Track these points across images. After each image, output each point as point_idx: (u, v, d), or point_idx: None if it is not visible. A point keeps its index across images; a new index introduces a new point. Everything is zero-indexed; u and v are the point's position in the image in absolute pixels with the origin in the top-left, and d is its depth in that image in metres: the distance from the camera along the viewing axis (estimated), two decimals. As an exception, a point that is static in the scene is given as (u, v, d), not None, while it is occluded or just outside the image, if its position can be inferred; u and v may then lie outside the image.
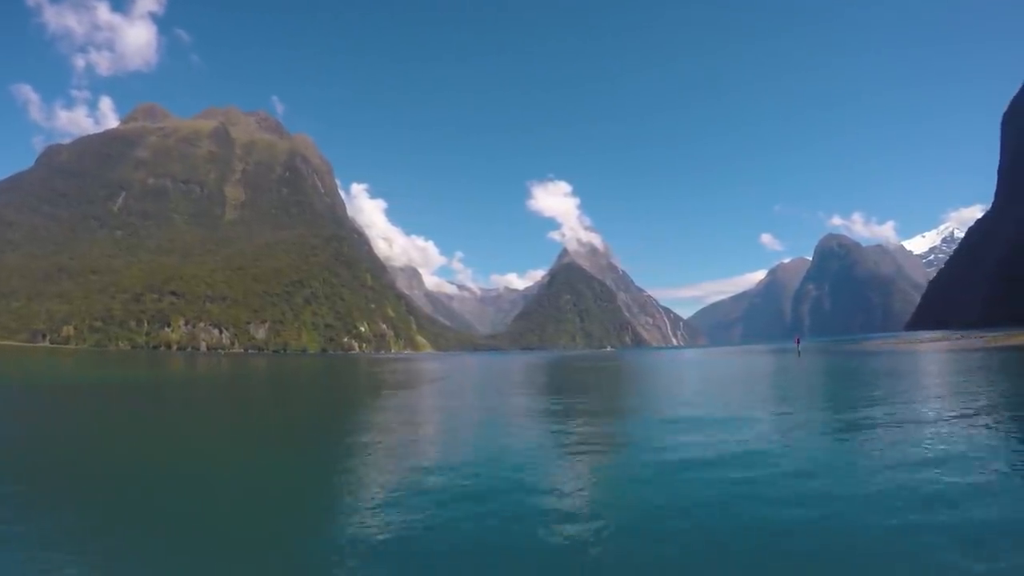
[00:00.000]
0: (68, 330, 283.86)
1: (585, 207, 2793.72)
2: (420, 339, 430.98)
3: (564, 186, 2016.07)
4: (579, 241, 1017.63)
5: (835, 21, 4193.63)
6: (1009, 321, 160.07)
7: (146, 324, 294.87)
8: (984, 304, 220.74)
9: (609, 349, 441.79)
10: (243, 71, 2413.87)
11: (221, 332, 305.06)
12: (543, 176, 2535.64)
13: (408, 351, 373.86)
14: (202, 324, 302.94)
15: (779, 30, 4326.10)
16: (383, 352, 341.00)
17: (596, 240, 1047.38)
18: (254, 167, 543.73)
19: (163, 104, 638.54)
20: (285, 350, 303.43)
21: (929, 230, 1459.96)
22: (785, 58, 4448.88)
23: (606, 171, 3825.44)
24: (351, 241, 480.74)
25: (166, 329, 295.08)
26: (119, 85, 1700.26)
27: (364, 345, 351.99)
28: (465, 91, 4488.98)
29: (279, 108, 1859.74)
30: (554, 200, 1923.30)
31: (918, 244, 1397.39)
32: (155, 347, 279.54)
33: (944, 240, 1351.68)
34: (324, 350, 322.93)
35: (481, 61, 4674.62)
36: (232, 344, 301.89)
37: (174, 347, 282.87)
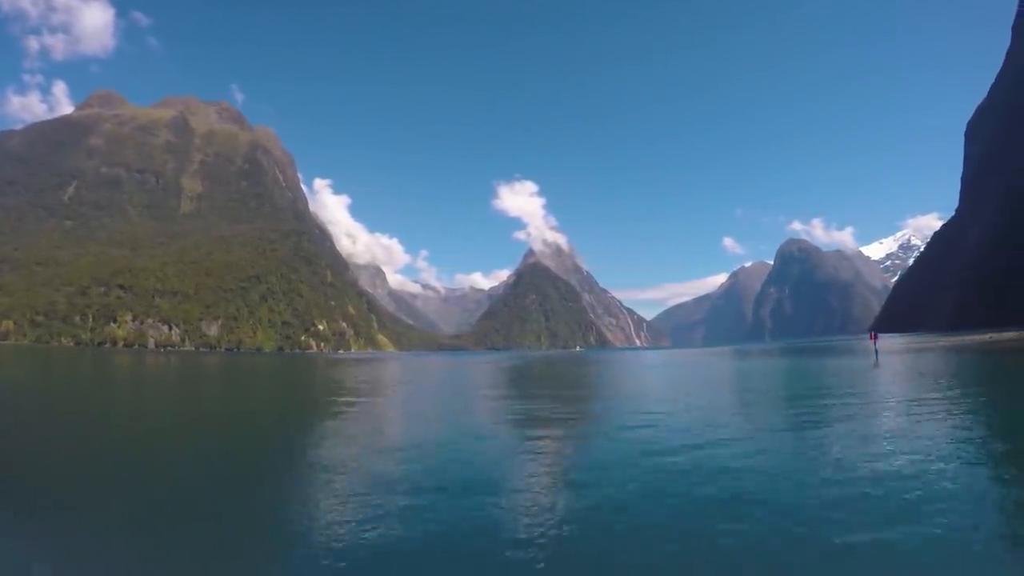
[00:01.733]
0: (8, 325, 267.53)
1: (550, 207, 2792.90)
2: (382, 338, 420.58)
3: (530, 185, 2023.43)
4: (544, 241, 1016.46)
5: (799, 28, 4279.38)
6: (978, 324, 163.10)
7: (91, 319, 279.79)
8: (955, 307, 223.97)
9: (579, 349, 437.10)
10: (204, 59, 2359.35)
11: (171, 329, 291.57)
12: (510, 176, 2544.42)
13: (370, 351, 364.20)
14: (151, 320, 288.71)
15: (742, 36, 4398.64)
16: (342, 352, 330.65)
17: (561, 240, 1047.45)
18: (213, 158, 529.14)
19: (120, 91, 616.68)
20: (239, 348, 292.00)
21: (886, 237, 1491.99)
22: (748, 64, 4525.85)
23: (571, 171, 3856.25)
24: (312, 236, 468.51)
25: (112, 325, 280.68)
26: (74, 70, 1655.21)
27: (323, 344, 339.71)
28: (432, 88, 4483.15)
29: (239, 97, 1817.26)
30: (520, 200, 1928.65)
31: (876, 250, 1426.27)
32: (100, 344, 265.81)
33: (901, 247, 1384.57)
34: (280, 349, 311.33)
35: (449, 59, 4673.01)
36: (183, 342, 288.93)
37: (120, 344, 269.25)
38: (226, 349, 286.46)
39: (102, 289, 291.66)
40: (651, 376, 50.27)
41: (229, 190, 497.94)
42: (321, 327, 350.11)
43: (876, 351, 60.70)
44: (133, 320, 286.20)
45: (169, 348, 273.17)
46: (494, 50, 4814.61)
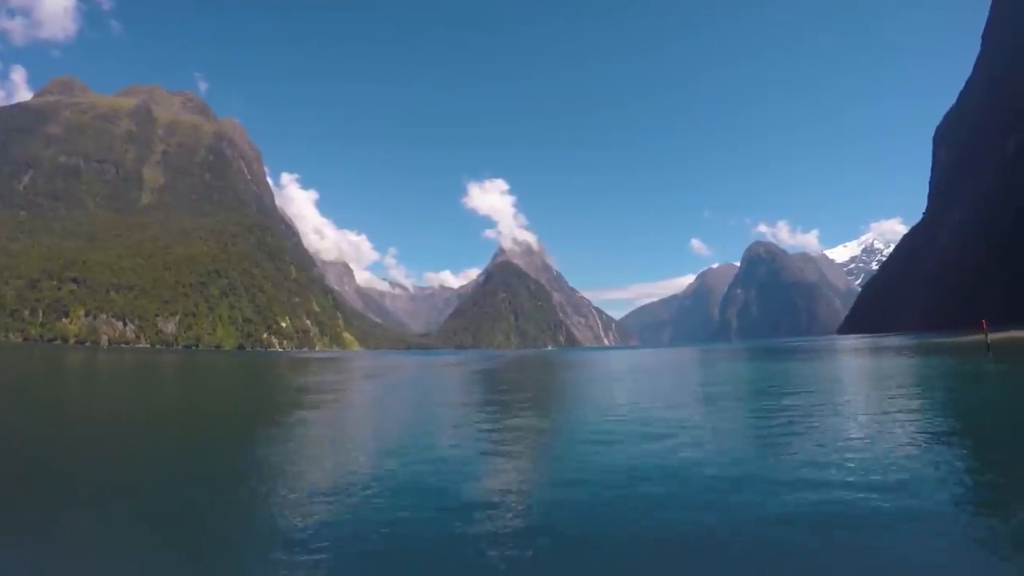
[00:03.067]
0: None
1: (521, 205, 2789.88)
2: (348, 336, 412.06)
3: (501, 183, 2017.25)
4: (515, 240, 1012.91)
5: (768, 31, 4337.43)
6: (951, 325, 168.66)
7: (41, 314, 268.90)
8: (926, 309, 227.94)
9: (549, 348, 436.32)
10: (169, 47, 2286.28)
11: (125, 325, 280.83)
12: (480, 174, 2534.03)
13: (335, 349, 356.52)
14: (104, 315, 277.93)
15: (712, 37, 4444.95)
16: (306, 350, 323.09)
17: (531, 239, 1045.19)
18: (176, 149, 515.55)
19: (82, 79, 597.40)
20: (197, 346, 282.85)
21: (850, 240, 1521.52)
22: (716, 66, 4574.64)
23: (541, 170, 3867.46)
24: (276, 231, 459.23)
25: (63, 320, 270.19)
26: (34, 55, 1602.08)
27: (285, 342, 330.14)
28: (402, 85, 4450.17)
29: (202, 86, 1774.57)
30: (491, 198, 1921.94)
31: (840, 253, 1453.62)
32: (51, 340, 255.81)
33: (864, 250, 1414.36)
34: (241, 347, 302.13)
35: (420, 55, 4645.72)
36: (138, 338, 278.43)
37: (72, 341, 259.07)
38: (184, 346, 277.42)
39: (54, 282, 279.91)
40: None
41: (192, 182, 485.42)
42: (284, 324, 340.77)
43: (988, 344, 55.65)
44: (86, 315, 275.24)
45: (123, 345, 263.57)
46: (465, 47, 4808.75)
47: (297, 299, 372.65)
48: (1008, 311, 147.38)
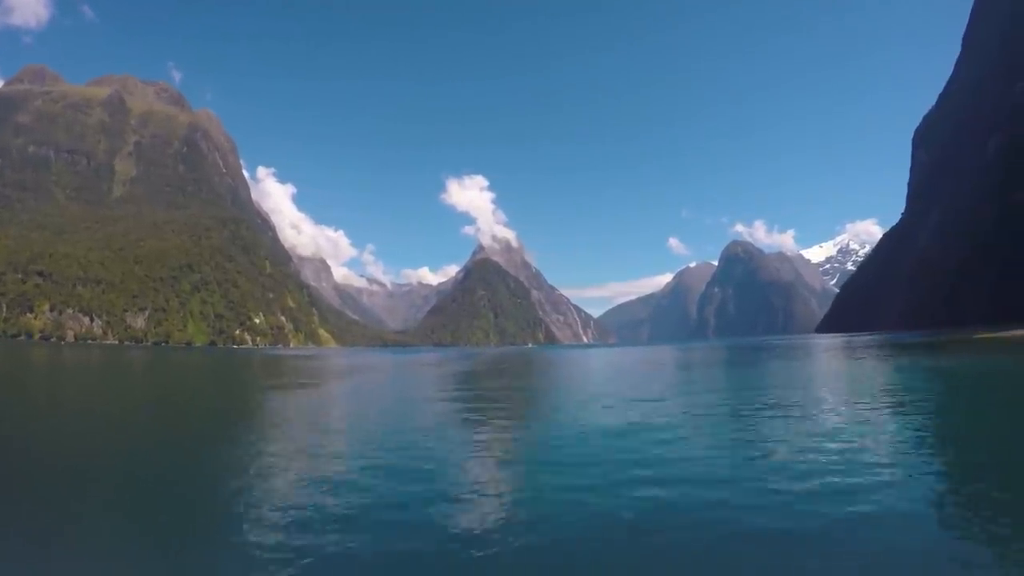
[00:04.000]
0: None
1: (500, 202, 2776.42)
2: (323, 333, 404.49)
3: (480, 180, 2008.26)
4: (494, 237, 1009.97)
5: (745, 32, 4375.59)
6: (933, 323, 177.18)
7: (4, 309, 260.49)
8: (906, 307, 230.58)
9: (530, 346, 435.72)
10: (142, 35, 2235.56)
11: (92, 320, 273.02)
12: (460, 170, 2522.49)
13: (310, 346, 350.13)
14: (70, 311, 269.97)
15: (690, 35, 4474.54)
16: (280, 347, 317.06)
17: (511, 236, 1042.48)
18: (149, 140, 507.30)
19: (54, 68, 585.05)
20: (167, 342, 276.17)
21: (826, 241, 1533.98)
22: (695, 64, 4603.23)
23: (521, 168, 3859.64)
24: (251, 225, 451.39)
25: (28, 315, 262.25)
26: (4, 42, 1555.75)
27: (259, 339, 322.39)
28: (382, 80, 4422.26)
29: (176, 75, 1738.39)
30: (470, 194, 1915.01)
31: (815, 253, 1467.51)
32: (14, 336, 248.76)
33: (840, 251, 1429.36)
34: (212, 343, 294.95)
35: (400, 50, 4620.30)
36: (105, 334, 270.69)
37: (36, 336, 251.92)
38: (153, 343, 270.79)
39: (18, 276, 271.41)
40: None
41: (165, 174, 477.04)
42: (257, 320, 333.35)
43: None
44: (51, 310, 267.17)
45: (90, 341, 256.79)
46: (447, 44, 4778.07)
47: (272, 295, 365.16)
48: (992, 310, 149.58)
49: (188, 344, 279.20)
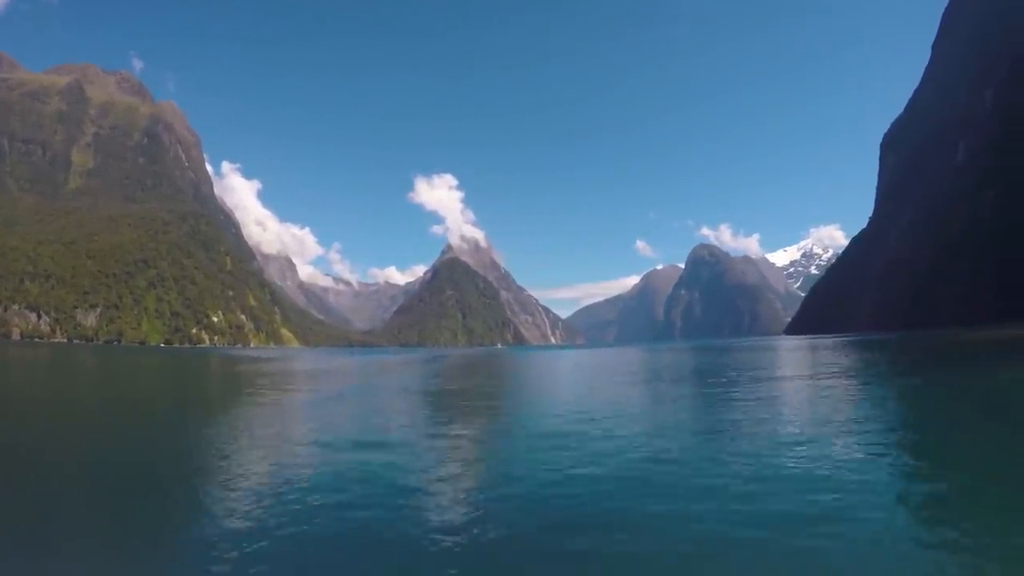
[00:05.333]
0: None
1: (469, 201, 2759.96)
2: (285, 333, 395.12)
3: (449, 179, 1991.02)
4: (463, 236, 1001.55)
5: (713, 39, 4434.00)
6: (900, 325, 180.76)
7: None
8: (876, 309, 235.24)
9: (500, 346, 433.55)
10: (105, 23, 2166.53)
11: (40, 317, 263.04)
12: (428, 169, 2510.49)
13: (272, 346, 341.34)
14: (16, 307, 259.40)
15: (658, 37, 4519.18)
16: (240, 346, 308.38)
17: (480, 236, 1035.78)
18: (109, 131, 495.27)
19: (12, 55, 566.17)
20: (120, 341, 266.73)
21: (790, 245, 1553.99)
22: (663, 68, 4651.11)
23: (489, 167, 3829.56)
24: (213, 220, 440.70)
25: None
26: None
27: (217, 338, 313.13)
28: (350, 76, 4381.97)
29: (137, 64, 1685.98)
30: (439, 193, 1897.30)
31: (780, 257, 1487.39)
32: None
33: (804, 255, 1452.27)
34: (168, 342, 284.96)
35: (370, 47, 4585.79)
36: (54, 332, 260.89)
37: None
38: (105, 341, 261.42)
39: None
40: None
41: (124, 167, 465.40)
42: (215, 319, 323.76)
43: None
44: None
45: (37, 339, 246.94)
46: (415, 42, 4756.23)
47: (231, 292, 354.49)
48: (964, 311, 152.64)
49: (142, 343, 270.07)
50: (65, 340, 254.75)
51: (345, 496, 10.80)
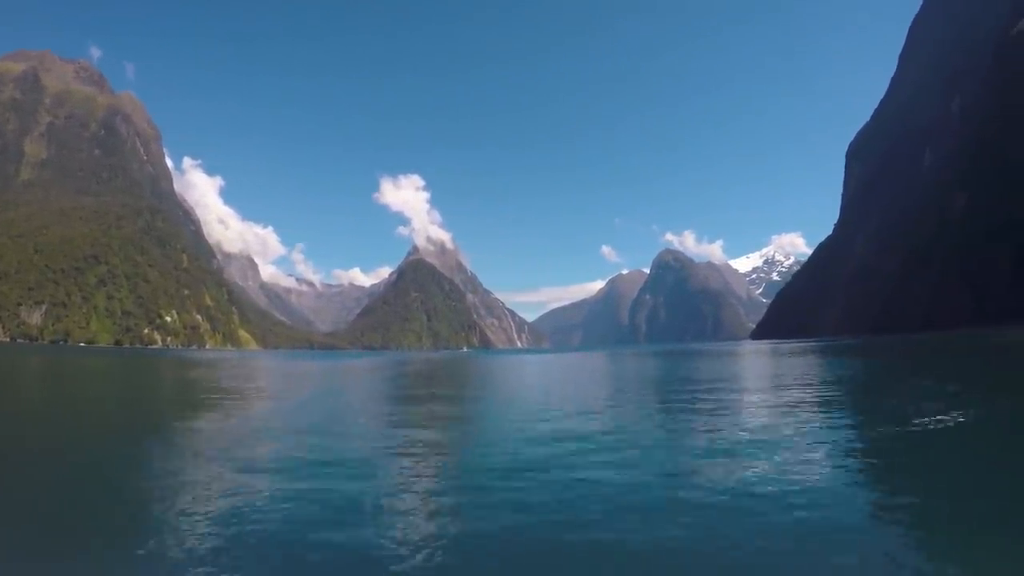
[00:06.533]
0: None
1: (436, 202, 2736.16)
2: (243, 334, 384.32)
3: (416, 179, 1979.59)
4: (429, 238, 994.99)
5: (680, 46, 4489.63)
6: (868, 329, 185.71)
7: None
8: (843, 313, 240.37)
9: (465, 350, 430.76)
10: (64, 8, 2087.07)
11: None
12: (395, 169, 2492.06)
13: (229, 348, 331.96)
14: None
15: (626, 40, 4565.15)
16: (194, 348, 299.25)
17: (446, 238, 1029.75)
18: (64, 121, 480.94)
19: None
20: (67, 341, 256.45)
21: (752, 252, 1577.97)
22: (631, 74, 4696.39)
23: (456, 170, 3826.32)
24: (171, 216, 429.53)
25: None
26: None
27: (170, 338, 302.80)
28: (315, 75, 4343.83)
29: (96, 54, 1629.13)
30: (405, 193, 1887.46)
31: (743, 264, 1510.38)
32: None
33: (766, 262, 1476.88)
34: (118, 343, 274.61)
35: (337, 45, 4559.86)
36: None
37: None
38: (51, 341, 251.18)
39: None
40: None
41: (79, 158, 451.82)
42: (169, 319, 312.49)
43: None
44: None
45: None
46: (383, 41, 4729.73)
47: (187, 291, 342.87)
48: (931, 315, 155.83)
49: (90, 343, 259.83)
50: (8, 339, 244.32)
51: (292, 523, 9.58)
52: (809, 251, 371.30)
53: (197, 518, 10.26)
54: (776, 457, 13.05)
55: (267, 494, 11.75)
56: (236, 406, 31.24)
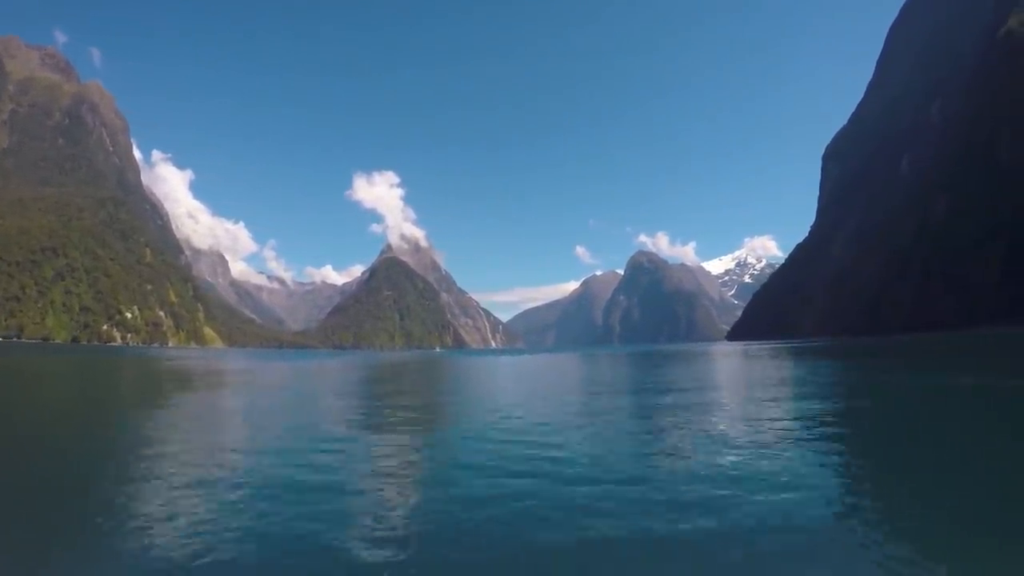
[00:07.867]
0: None
1: (410, 200, 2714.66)
2: (209, 332, 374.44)
3: (390, 176, 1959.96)
4: (403, 236, 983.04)
5: (656, 46, 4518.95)
6: (847, 331, 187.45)
7: None
8: (817, 318, 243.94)
9: (438, 350, 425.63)
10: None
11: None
12: (369, 165, 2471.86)
13: (192, 346, 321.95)
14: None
15: (600, 39, 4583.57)
16: (156, 346, 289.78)
17: (420, 236, 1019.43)
18: (27, 109, 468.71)
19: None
20: (19, 337, 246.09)
21: (725, 255, 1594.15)
22: (605, 72, 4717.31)
23: (431, 166, 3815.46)
24: (136, 209, 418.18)
25: None
26: None
27: (131, 336, 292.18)
28: (290, 70, 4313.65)
29: (61, 39, 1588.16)
30: (378, 190, 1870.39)
31: (715, 266, 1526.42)
32: None
33: (738, 264, 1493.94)
34: (75, 339, 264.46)
35: (311, 42, 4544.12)
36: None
37: None
38: (3, 337, 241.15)
39: None
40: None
41: (42, 147, 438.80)
42: (129, 315, 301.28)
43: None
44: None
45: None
46: (358, 38, 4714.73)
47: (150, 286, 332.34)
48: (911, 317, 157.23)
49: (45, 340, 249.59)
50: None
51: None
52: (781, 254, 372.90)
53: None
54: (751, 452, 12.78)
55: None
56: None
